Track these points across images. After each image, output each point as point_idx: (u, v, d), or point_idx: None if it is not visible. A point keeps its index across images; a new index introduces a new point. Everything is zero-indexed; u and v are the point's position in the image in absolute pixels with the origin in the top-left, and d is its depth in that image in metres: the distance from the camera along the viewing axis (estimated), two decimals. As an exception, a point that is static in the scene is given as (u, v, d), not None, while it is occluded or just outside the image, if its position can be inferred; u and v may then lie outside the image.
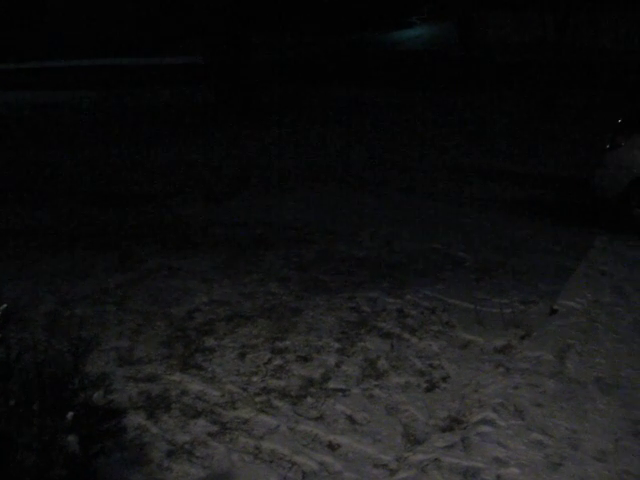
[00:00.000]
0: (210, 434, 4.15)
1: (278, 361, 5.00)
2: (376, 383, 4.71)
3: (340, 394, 4.58)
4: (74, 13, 30.15)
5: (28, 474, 2.99)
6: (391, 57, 25.55)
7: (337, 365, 4.94)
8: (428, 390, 4.63)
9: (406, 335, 5.37)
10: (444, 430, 4.17)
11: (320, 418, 4.32)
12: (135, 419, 4.24)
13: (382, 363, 4.96)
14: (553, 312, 5.56)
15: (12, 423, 3.03)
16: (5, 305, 3.43)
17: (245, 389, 4.63)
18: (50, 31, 30.05)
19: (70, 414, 3.11)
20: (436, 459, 3.81)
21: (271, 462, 3.90)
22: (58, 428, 3.07)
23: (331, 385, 4.69)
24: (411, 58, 25.15)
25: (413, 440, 4.10)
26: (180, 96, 19.09)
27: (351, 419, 4.31)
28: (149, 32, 30.53)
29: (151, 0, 29.91)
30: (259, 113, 15.91)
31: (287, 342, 5.26)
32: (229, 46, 15.97)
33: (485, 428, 4.07)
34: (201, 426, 4.23)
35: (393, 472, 3.81)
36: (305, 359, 5.02)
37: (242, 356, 5.06)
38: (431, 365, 4.95)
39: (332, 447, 4.05)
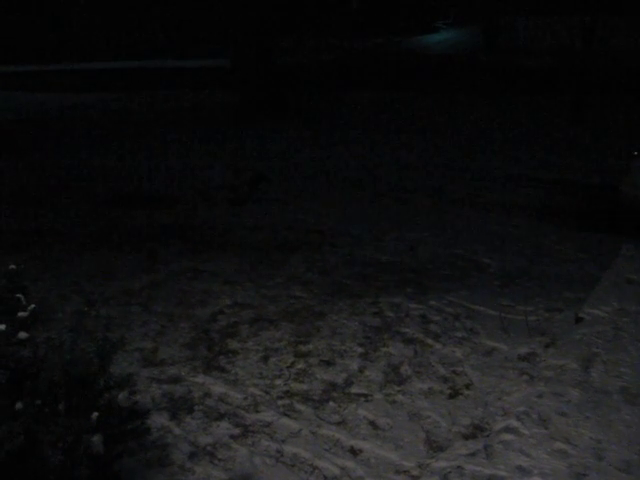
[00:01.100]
0: (232, 436, 4.16)
1: (301, 365, 5.00)
2: (399, 389, 4.70)
3: (363, 399, 4.57)
4: (101, 16, 30.43)
5: (53, 473, 3.02)
6: (416, 61, 25.51)
7: (360, 370, 4.93)
8: (451, 397, 4.61)
9: (429, 341, 5.35)
10: (467, 437, 4.15)
11: (342, 423, 4.32)
12: (158, 420, 4.26)
13: (405, 369, 4.95)
14: (578, 320, 5.51)
15: (38, 422, 3.06)
16: (33, 305, 3.47)
17: (268, 392, 4.64)
18: (76, 33, 30.36)
19: (95, 414, 3.14)
20: (459, 466, 3.80)
21: (293, 466, 3.91)
22: (83, 428, 3.09)
23: (354, 390, 4.68)
24: (437, 62, 25.10)
25: (435, 447, 4.08)
26: (206, 99, 19.19)
27: (373, 424, 4.30)
28: (175, 35, 30.74)
29: (178, 3, 30.14)
30: (284, 116, 15.96)
31: (310, 346, 5.27)
32: (255, 49, 16.05)
33: (508, 436, 4.04)
34: (224, 428, 4.24)
35: (415, 478, 3.79)
36: (328, 363, 5.02)
37: (265, 359, 5.08)
38: (454, 372, 4.92)
39: (354, 452, 4.04)
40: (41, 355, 3.33)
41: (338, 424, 4.30)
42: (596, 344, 5.07)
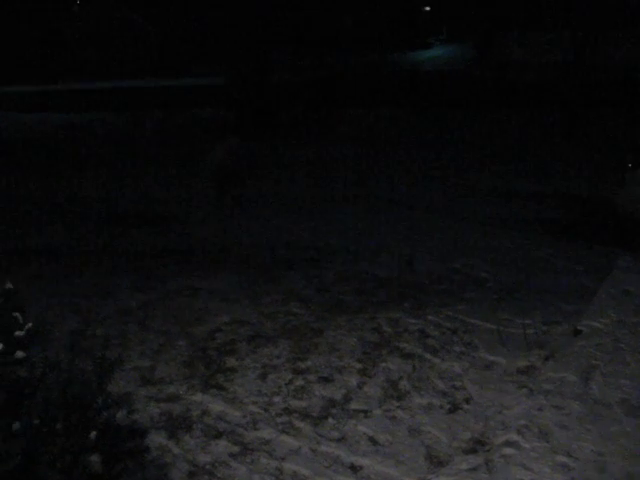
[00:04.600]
0: (231, 455, 4.13)
1: (299, 382, 4.98)
2: (398, 404, 4.68)
3: (362, 415, 4.55)
4: (97, 36, 30.58)
5: (51, 493, 3.00)
6: (410, 77, 25.62)
7: (359, 386, 4.91)
8: (451, 411, 4.59)
9: (428, 356, 5.33)
10: (467, 452, 4.13)
11: (342, 439, 4.29)
12: (157, 439, 4.23)
13: (404, 384, 4.92)
14: (577, 333, 5.50)
15: (36, 442, 3.04)
16: (30, 324, 3.45)
17: (266, 410, 4.62)
18: (73, 53, 30.50)
19: (93, 433, 3.11)
20: (460, 481, 3.77)
21: (293, 483, 3.88)
22: (81, 447, 3.07)
23: (353, 406, 4.66)
24: (430, 78, 25.21)
25: (436, 462, 4.06)
26: (201, 116, 19.23)
27: (373, 440, 4.28)
28: (170, 54, 30.87)
29: (173, 22, 30.30)
30: (279, 133, 16.00)
31: (308, 362, 5.24)
32: (250, 67, 16.13)
33: (509, 450, 4.01)
34: (222, 447, 4.21)
35: (416, 494, 3.77)
36: (327, 380, 5.00)
37: (263, 376, 5.05)
38: (453, 386, 4.91)
39: (354, 469, 4.01)
40: (38, 374, 3.31)
41: (338, 440, 4.28)
42: (595, 356, 5.06)
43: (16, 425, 3.06)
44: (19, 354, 3.34)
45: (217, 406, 4.65)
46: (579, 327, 5.57)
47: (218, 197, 10.00)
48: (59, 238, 8.59)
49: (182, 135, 16.63)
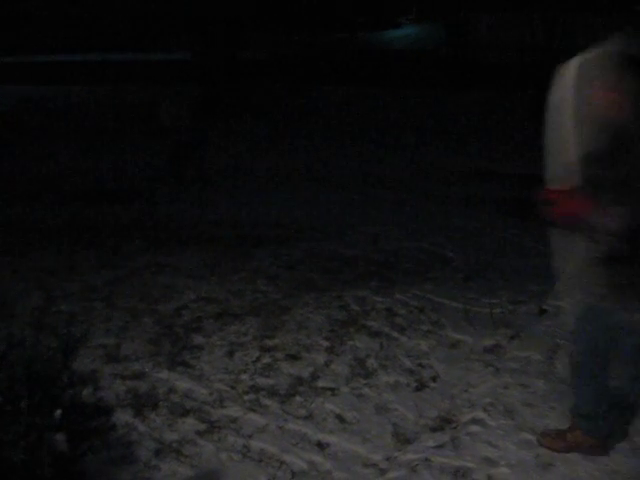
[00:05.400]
0: (198, 432, 4.11)
1: (267, 359, 4.96)
2: (365, 382, 4.69)
3: (329, 393, 4.55)
4: (63, 8, 29.96)
5: (15, 473, 2.94)
6: (379, 56, 25.56)
7: (326, 364, 4.91)
8: (418, 389, 4.61)
9: (395, 334, 5.35)
10: (434, 430, 4.15)
11: (309, 417, 4.29)
12: (122, 417, 4.18)
13: (371, 362, 4.94)
14: (542, 312, 5.56)
15: (-1, 420, 2.99)
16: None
17: (234, 387, 4.59)
18: (38, 25, 29.87)
19: (58, 412, 3.06)
20: (426, 459, 3.80)
21: (260, 461, 3.87)
22: (46, 426, 3.02)
23: (320, 384, 4.66)
24: (399, 58, 25.17)
25: (403, 439, 4.07)
26: (167, 93, 18.97)
27: (340, 418, 4.28)
28: (137, 28, 30.37)
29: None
30: (246, 111, 15.86)
31: (276, 340, 5.23)
32: (218, 43, 15.93)
33: (475, 428, 4.05)
34: (189, 424, 4.18)
35: (383, 472, 3.78)
36: (294, 357, 4.99)
37: (230, 354, 5.03)
38: (420, 364, 4.93)
39: (321, 446, 4.02)
40: (1, 351, 3.24)
41: (305, 418, 4.27)
42: (560, 336, 5.12)
43: (-22, 403, 3.00)
44: (-19, 331, 3.27)
45: (183, 384, 4.62)
46: (544, 307, 5.63)
47: (181, 174, 9.94)
48: (21, 213, 8.44)
49: (149, 112, 16.39)
